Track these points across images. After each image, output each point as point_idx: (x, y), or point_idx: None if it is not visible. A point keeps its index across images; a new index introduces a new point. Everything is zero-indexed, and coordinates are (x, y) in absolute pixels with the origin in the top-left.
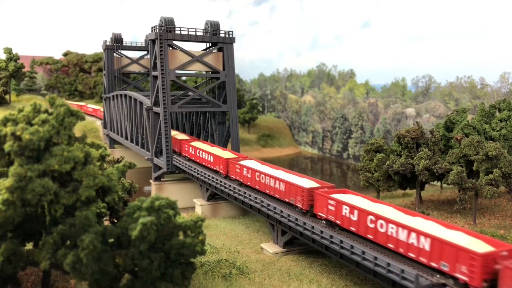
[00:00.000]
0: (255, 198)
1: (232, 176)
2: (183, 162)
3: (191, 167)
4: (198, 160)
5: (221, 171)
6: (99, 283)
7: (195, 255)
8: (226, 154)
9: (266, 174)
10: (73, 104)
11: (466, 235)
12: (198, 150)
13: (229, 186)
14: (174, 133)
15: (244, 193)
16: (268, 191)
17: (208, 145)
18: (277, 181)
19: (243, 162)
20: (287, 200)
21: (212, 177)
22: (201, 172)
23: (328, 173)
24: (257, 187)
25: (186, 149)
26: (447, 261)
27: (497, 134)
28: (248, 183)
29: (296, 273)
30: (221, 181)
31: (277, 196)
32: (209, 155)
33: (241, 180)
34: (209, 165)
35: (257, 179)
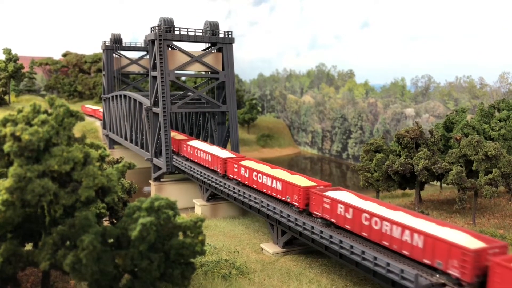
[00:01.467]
0: (255, 198)
1: (230, 176)
2: (182, 163)
3: (191, 167)
4: (196, 160)
5: (219, 170)
6: (98, 283)
7: (195, 255)
8: (224, 153)
9: (263, 173)
10: (89, 108)
11: (459, 231)
12: (196, 150)
13: (229, 186)
14: (173, 134)
15: (244, 193)
16: (265, 190)
17: (207, 144)
18: (274, 180)
19: (241, 162)
20: (283, 198)
21: (212, 178)
22: (201, 172)
23: (327, 173)
24: (255, 186)
25: (185, 148)
26: (440, 258)
27: (496, 134)
28: (246, 182)
29: (295, 273)
30: (220, 181)
31: (274, 194)
32: (207, 155)
33: (239, 179)
34: (207, 165)
35: (255, 178)
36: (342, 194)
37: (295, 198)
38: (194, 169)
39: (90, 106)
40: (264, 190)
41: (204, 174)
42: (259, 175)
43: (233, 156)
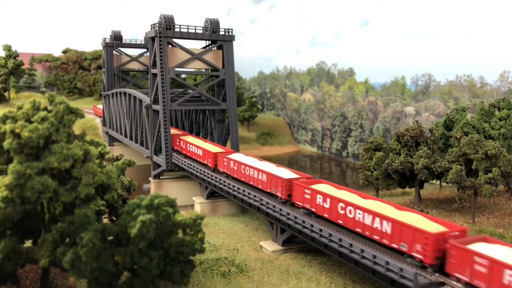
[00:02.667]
0: (254, 196)
1: (220, 169)
2: (182, 160)
3: (190, 165)
4: (188, 154)
5: (209, 164)
6: (98, 280)
7: (194, 253)
8: (215, 148)
9: (250, 167)
10: (101, 108)
11: (423, 218)
12: (188, 144)
13: (229, 184)
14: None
15: (244, 191)
16: (252, 183)
17: (199, 139)
18: (260, 173)
19: (230, 156)
20: (268, 190)
21: (212, 175)
22: (200, 170)
23: (327, 171)
24: (243, 179)
25: (178, 143)
26: (405, 241)
27: (496, 133)
28: (235, 175)
29: (295, 271)
30: (220, 179)
31: (259, 186)
32: (198, 149)
33: (228, 172)
34: (199, 159)
35: (243, 171)
36: (322, 186)
37: (279, 189)
38: (193, 166)
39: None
40: (251, 183)
41: (204, 171)
42: (247, 168)
43: (223, 150)
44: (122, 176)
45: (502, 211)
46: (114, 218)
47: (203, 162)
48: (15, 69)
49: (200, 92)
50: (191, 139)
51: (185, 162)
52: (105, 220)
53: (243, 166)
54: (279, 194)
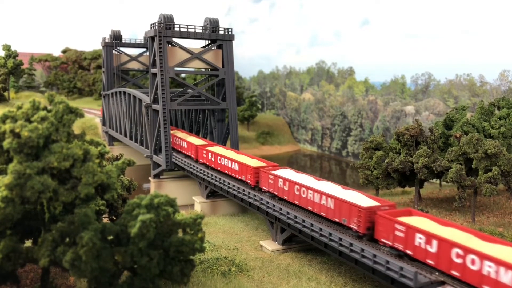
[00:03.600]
0: (254, 196)
1: (201, 160)
2: (182, 160)
3: (190, 164)
4: (175, 147)
5: (192, 155)
6: (98, 280)
7: (194, 252)
8: (198, 141)
9: (225, 157)
10: None
11: (363, 195)
12: (175, 138)
13: (228, 183)
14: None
15: (243, 190)
16: (227, 171)
17: (187, 134)
18: (233, 162)
19: (209, 148)
20: (239, 177)
21: (212, 175)
22: (200, 169)
23: (327, 170)
24: (219, 168)
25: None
26: (345, 216)
27: (496, 132)
28: (213, 166)
29: (295, 270)
30: (220, 179)
31: (233, 175)
32: (183, 142)
33: (207, 163)
34: (184, 151)
35: (219, 162)
36: (284, 171)
37: (248, 176)
38: (193, 166)
39: None
40: (226, 172)
41: (204, 171)
42: (222, 158)
43: (205, 143)
44: (122, 176)
45: (502, 210)
46: (114, 218)
47: (187, 154)
48: (14, 68)
49: (200, 92)
50: (179, 134)
51: (185, 161)
52: (105, 220)
53: (219, 157)
54: (248, 181)
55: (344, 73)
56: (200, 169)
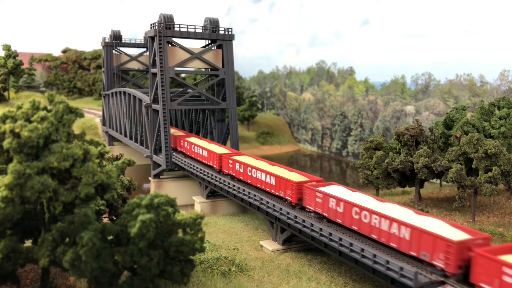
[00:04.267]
0: (254, 195)
1: (179, 149)
2: (182, 160)
3: (190, 164)
4: (192, 156)
5: (172, 145)
6: (98, 280)
7: (194, 252)
8: (178, 133)
9: (198, 146)
10: None
11: (302, 176)
12: (192, 145)
13: (229, 183)
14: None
15: (244, 190)
16: (199, 159)
17: (174, 129)
18: (204, 150)
19: (188, 139)
20: (209, 163)
21: (212, 175)
22: (201, 169)
23: (327, 170)
24: (193, 156)
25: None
26: (283, 190)
27: (496, 132)
28: (188, 153)
29: (295, 270)
30: (220, 179)
31: (203, 161)
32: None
33: (184, 151)
34: (204, 160)
35: (193, 150)
36: (245, 158)
37: (214, 162)
38: (193, 166)
39: None
40: (198, 158)
41: (204, 171)
42: (196, 147)
43: (183, 134)
44: (122, 176)
45: (502, 210)
46: (114, 218)
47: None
48: (14, 68)
49: (200, 92)
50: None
51: (185, 161)
52: (105, 220)
53: (193, 145)
54: (215, 166)
55: (344, 73)
56: (200, 169)
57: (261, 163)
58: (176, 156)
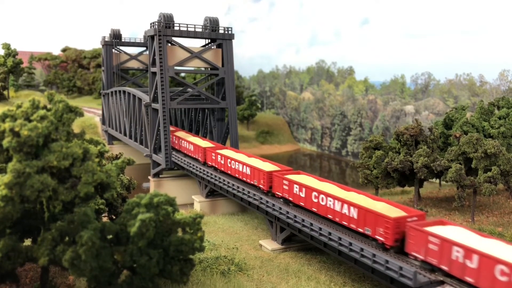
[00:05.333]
0: (254, 195)
1: (209, 163)
2: (181, 159)
3: (190, 163)
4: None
5: (199, 158)
6: (97, 279)
7: (194, 251)
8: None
9: (185, 140)
10: None
11: (274, 166)
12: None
13: (228, 182)
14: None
15: (243, 189)
16: (186, 152)
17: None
18: (190, 144)
19: (176, 133)
20: (195, 156)
21: (211, 174)
22: (200, 168)
23: (326, 170)
24: (180, 149)
25: None
26: (257, 179)
27: (496, 132)
28: (176, 147)
29: (294, 269)
30: (219, 178)
31: (191, 155)
32: (190, 145)
33: (172, 145)
34: (190, 154)
35: (181, 144)
36: (226, 151)
37: (199, 155)
38: (193, 165)
39: None
40: (185, 152)
41: (203, 170)
42: (185, 142)
43: (172, 129)
44: (121, 175)
45: (501, 210)
46: (114, 217)
47: (194, 156)
48: (14, 67)
49: (200, 91)
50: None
51: (184, 160)
52: (105, 219)
53: (181, 140)
54: (199, 159)
55: (344, 73)
56: (200, 169)
57: (240, 156)
58: (175, 155)
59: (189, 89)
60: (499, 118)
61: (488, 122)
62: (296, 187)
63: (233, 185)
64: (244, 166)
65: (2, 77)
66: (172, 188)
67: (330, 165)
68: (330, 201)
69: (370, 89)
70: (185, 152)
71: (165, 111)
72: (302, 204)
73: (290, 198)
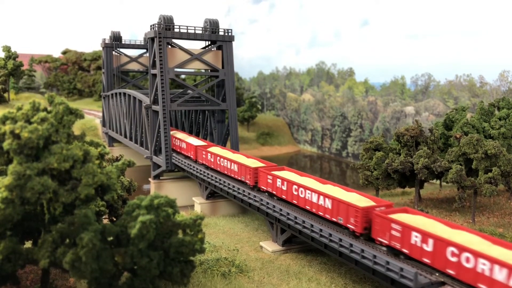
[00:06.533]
0: (254, 196)
1: (200, 161)
2: (182, 160)
3: (190, 165)
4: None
5: (191, 156)
6: (98, 281)
7: (194, 253)
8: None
9: (178, 139)
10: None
11: (258, 162)
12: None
13: (228, 184)
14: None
15: (244, 191)
16: (179, 150)
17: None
18: (183, 143)
19: (209, 149)
20: (187, 154)
21: (211, 175)
22: (201, 170)
23: (327, 171)
24: (173, 148)
25: None
26: (243, 175)
27: (496, 133)
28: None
29: (295, 271)
30: (220, 179)
31: (183, 153)
32: (183, 142)
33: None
34: (183, 151)
35: (175, 143)
36: (215, 148)
37: (191, 153)
38: (193, 167)
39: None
40: (178, 150)
41: (204, 172)
42: (179, 141)
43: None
44: (122, 177)
45: (502, 211)
46: (114, 219)
47: (187, 154)
48: (14, 70)
49: (200, 93)
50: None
51: (185, 162)
52: (105, 221)
53: (174, 139)
54: (192, 156)
55: (344, 74)
56: (200, 170)
57: (227, 153)
58: (176, 157)
59: (189, 91)
60: (499, 119)
61: (488, 123)
62: (279, 182)
63: (233, 186)
64: (232, 163)
65: (3, 80)
66: (172, 190)
67: (330, 167)
68: (308, 193)
69: (370, 90)
70: (178, 150)
71: (166, 113)
72: (284, 197)
73: (274, 192)
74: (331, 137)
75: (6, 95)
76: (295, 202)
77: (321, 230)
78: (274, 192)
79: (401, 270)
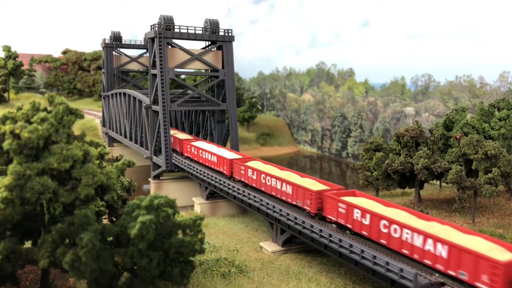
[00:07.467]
0: (254, 196)
1: (185, 154)
2: (182, 161)
3: (190, 165)
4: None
5: (177, 149)
6: (98, 281)
7: (194, 253)
8: (184, 136)
9: (175, 138)
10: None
11: (234, 154)
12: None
13: (228, 184)
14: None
15: (244, 191)
16: (200, 160)
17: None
18: (212, 155)
19: (194, 143)
20: (174, 148)
21: (212, 176)
22: (201, 170)
23: (327, 171)
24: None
25: None
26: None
27: (496, 133)
28: (195, 159)
29: (295, 271)
30: (220, 180)
31: (176, 148)
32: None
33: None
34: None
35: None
36: (199, 143)
37: (177, 146)
38: (193, 167)
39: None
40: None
41: (204, 172)
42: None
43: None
44: (121, 177)
45: (502, 211)
46: (114, 219)
47: (175, 148)
48: (14, 70)
49: (200, 93)
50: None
51: (185, 162)
52: (105, 221)
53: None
54: (177, 149)
55: (344, 74)
56: (201, 170)
57: (211, 146)
58: (176, 158)
59: (189, 91)
60: (500, 120)
61: (488, 123)
62: (250, 171)
63: (233, 187)
64: (212, 155)
65: (3, 80)
66: (172, 190)
67: (330, 167)
68: (273, 181)
69: (370, 91)
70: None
71: (166, 113)
72: (254, 185)
73: (246, 181)
74: (331, 138)
75: (6, 95)
76: (263, 189)
77: (321, 230)
78: (246, 182)
79: (401, 271)
